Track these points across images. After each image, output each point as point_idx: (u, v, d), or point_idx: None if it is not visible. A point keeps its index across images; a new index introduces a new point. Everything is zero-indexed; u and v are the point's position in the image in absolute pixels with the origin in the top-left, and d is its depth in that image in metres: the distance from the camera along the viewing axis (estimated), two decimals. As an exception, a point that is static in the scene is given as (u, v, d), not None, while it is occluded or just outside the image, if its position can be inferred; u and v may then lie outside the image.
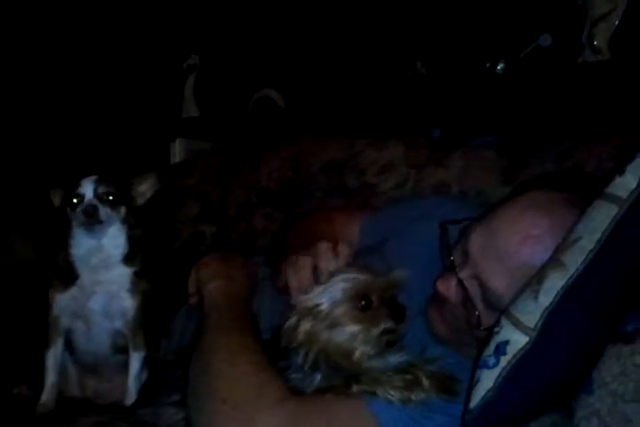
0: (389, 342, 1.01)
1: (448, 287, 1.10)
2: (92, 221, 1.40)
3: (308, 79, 2.54)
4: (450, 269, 1.10)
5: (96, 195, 1.41)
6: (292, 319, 1.01)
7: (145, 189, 1.52)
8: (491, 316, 1.03)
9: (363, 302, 1.00)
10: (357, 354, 0.99)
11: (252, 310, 1.16)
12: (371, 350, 0.99)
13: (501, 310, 0.99)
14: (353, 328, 0.99)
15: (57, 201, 1.50)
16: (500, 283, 1.02)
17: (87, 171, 1.49)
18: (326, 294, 1.01)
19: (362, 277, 1.02)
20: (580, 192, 1.03)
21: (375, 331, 0.99)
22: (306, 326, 1.00)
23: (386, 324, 0.99)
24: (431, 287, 1.16)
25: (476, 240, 1.07)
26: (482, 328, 1.04)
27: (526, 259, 1.01)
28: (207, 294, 1.19)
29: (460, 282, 1.07)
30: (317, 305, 1.00)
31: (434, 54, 2.21)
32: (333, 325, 0.99)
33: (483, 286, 1.05)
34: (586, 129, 1.67)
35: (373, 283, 1.01)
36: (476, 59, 2.08)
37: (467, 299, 1.07)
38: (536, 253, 1.00)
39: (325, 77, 2.49)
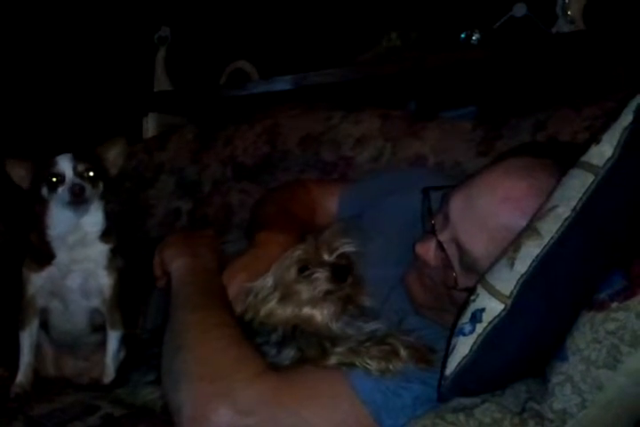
0: (347, 299, 1.03)
1: (427, 250, 1.11)
2: (79, 200, 1.37)
3: (281, 51, 2.50)
4: (430, 232, 1.11)
5: (76, 173, 1.38)
6: (249, 300, 1.05)
7: (115, 155, 1.47)
8: (468, 278, 1.05)
9: (304, 271, 1.02)
10: (318, 317, 1.02)
11: (221, 283, 1.15)
12: (327, 310, 1.02)
13: (478, 272, 1.01)
14: (298, 295, 1.02)
15: (25, 183, 1.43)
16: (477, 245, 1.04)
17: (57, 146, 1.45)
18: (271, 273, 1.05)
19: (302, 249, 1.04)
20: (559, 159, 1.04)
21: (318, 293, 1.02)
22: (261, 304, 1.03)
23: (327, 285, 1.02)
24: (408, 258, 1.17)
25: (456, 203, 1.08)
26: (458, 289, 1.05)
27: (504, 221, 1.02)
28: (174, 273, 1.18)
29: (440, 244, 1.08)
30: (265, 284, 1.05)
31: (408, 25, 2.19)
32: (284, 296, 1.03)
33: (461, 248, 1.06)
34: (560, 99, 1.67)
35: (312, 251, 1.04)
36: (451, 29, 2.07)
37: (445, 262, 1.08)
38: (514, 215, 1.01)
39: (299, 48, 2.45)
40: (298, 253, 1.04)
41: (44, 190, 1.40)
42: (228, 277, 1.14)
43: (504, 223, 1.01)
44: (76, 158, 1.40)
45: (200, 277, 1.15)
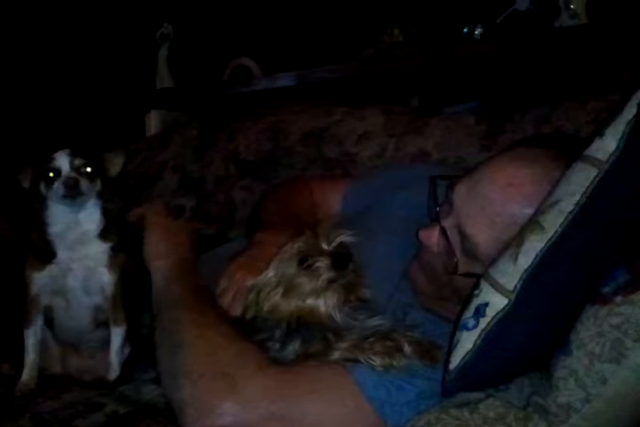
0: (349, 288, 1.04)
1: (430, 236, 1.12)
2: (73, 193, 1.37)
3: (283, 47, 2.50)
4: (435, 219, 1.12)
5: (73, 168, 1.38)
6: (250, 298, 1.05)
7: (115, 163, 1.48)
8: (468, 264, 1.06)
9: (305, 263, 1.02)
10: (322, 307, 1.02)
11: (202, 281, 1.17)
12: (330, 299, 1.02)
13: (479, 258, 1.03)
14: (301, 287, 1.02)
15: (26, 182, 1.44)
16: (479, 230, 1.04)
17: (60, 145, 1.45)
18: (272, 269, 1.05)
19: (301, 241, 1.05)
20: (563, 150, 1.04)
21: (320, 283, 1.02)
22: (265, 301, 1.03)
23: (328, 273, 1.02)
24: (414, 253, 1.18)
25: (460, 190, 1.09)
26: (458, 274, 1.06)
27: (506, 207, 1.02)
28: (155, 272, 1.21)
29: (443, 230, 1.09)
30: (267, 280, 1.05)
31: (411, 20, 2.19)
32: (287, 290, 1.03)
33: (463, 233, 1.07)
34: (564, 94, 1.67)
35: (311, 243, 1.04)
36: (454, 24, 2.06)
37: (447, 248, 1.09)
38: (516, 202, 1.02)
39: (302, 45, 2.45)
40: (297, 245, 1.04)
41: (42, 186, 1.40)
42: (227, 277, 1.14)
43: (505, 209, 1.02)
44: (74, 154, 1.40)
45: (185, 274, 1.17)
